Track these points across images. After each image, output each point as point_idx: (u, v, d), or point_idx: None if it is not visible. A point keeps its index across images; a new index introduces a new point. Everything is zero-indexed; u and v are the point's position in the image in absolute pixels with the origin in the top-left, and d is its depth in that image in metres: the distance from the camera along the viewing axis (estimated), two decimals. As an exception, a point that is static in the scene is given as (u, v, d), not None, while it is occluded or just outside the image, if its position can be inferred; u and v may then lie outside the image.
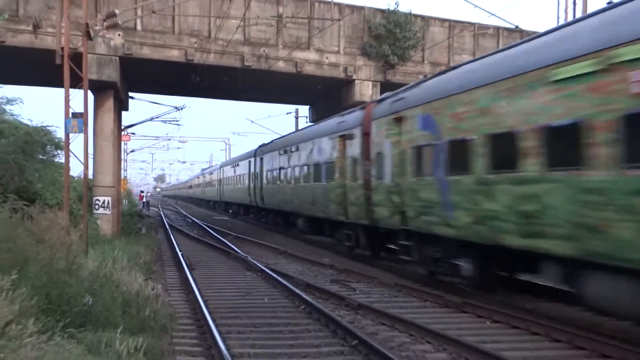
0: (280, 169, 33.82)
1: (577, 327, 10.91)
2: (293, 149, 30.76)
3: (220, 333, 10.37)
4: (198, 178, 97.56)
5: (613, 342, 9.81)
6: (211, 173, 73.48)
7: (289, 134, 37.78)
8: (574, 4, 20.49)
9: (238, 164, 50.18)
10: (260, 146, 42.65)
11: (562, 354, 9.95)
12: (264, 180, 38.31)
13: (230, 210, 58.99)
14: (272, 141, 39.81)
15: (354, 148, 21.25)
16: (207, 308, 12.43)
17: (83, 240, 15.73)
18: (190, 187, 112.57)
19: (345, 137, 22.29)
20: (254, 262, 20.34)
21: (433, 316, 12.68)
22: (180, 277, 17.82)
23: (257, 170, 40.84)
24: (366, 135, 20.15)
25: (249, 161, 44.29)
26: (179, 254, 21.94)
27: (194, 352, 9.96)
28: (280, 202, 34.05)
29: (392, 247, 18.76)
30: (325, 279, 17.62)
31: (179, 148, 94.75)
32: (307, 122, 42.24)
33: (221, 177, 61.50)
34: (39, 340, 6.57)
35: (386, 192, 17.98)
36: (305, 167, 28.27)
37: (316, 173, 26.32)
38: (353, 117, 22.20)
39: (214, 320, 11.29)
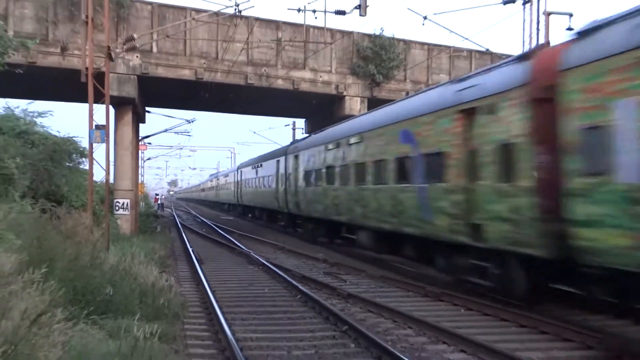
0: (328, 168, 23.30)
1: (538, 313, 10.87)
2: (354, 140, 20.54)
3: (226, 320, 10.30)
4: (211, 181, 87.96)
5: (572, 328, 9.77)
6: (226, 175, 64.54)
7: (342, 122, 25.05)
8: (537, 30, 20.43)
9: (261, 165, 39.55)
10: (292, 142, 33.69)
11: (527, 337, 9.89)
12: (300, 182, 27.89)
13: (250, 215, 49.15)
14: (309, 135, 30.35)
15: (504, 127, 11.40)
16: (215, 298, 12.37)
17: (105, 237, 15.66)
18: (203, 190, 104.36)
19: (474, 112, 12.47)
20: (256, 256, 20.24)
21: (414, 304, 12.63)
22: (190, 270, 17.73)
23: (290, 170, 30.12)
24: (541, 102, 10.54)
25: (277, 161, 33.76)
26: (190, 249, 21.82)
27: (203, 336, 9.92)
28: (328, 210, 23.25)
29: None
30: (319, 272, 17.55)
31: (189, 156, 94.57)
32: (302, 134, 42.05)
33: (239, 179, 51.10)
34: (65, 326, 6.51)
35: (623, 201, 8.61)
36: (379, 164, 18.00)
37: (400, 172, 16.32)
38: (502, 75, 12.17)
39: (220, 309, 11.22)
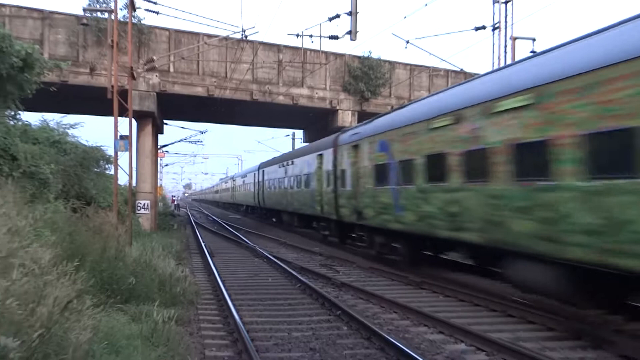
0: (432, 157, 12.68)
1: (502, 297, 10.90)
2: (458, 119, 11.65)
3: (234, 306, 10.29)
4: (226, 183, 78.22)
5: (536, 312, 9.80)
6: (244, 176, 52.30)
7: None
8: (505, 52, 20.52)
9: (292, 162, 28.97)
10: (342, 132, 21.53)
11: (497, 320, 9.93)
12: (365, 181, 17.07)
13: (275, 219, 37.49)
14: (372, 119, 18.13)
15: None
16: (225, 286, 12.36)
17: (128, 234, 15.64)
18: (217, 191, 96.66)
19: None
20: (261, 250, 20.22)
21: (399, 292, 12.64)
22: (203, 262, 17.70)
23: (344, 166, 19.30)
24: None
25: (320, 155, 23.06)
26: (202, 244, 21.78)
27: (215, 320, 9.92)
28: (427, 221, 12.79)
29: None
30: (315, 264, 17.53)
31: (202, 162, 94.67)
32: (301, 143, 42.01)
33: (259, 179, 39.91)
34: (94, 312, 6.52)
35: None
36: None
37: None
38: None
39: (229, 296, 11.23)
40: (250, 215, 49.37)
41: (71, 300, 5.48)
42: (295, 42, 23.46)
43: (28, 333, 4.47)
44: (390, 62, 31.25)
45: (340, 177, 20.11)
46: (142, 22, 25.46)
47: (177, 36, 27.00)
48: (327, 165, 22.12)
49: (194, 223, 37.97)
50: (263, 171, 38.46)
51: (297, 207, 27.78)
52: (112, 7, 18.16)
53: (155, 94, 26.15)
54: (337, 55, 29.68)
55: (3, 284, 4.88)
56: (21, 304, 4.81)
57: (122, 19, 18.66)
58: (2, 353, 4.09)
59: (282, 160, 33.17)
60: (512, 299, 10.83)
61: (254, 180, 42.65)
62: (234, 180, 62.89)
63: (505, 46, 20.56)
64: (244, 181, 51.70)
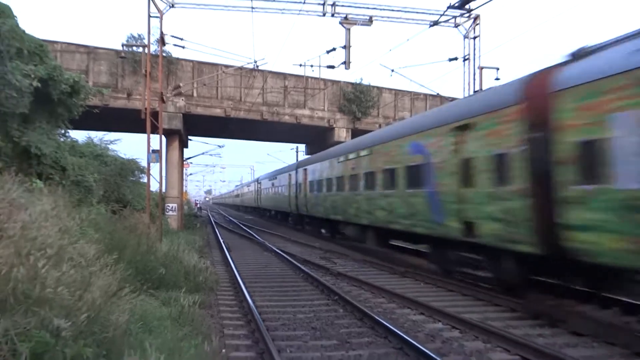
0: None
1: (474, 284, 10.87)
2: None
3: (248, 292, 10.29)
4: (248, 186, 66.33)
5: (501, 296, 9.79)
6: (274, 177, 39.07)
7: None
8: (474, 79, 20.55)
9: (359, 155, 17.89)
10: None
11: (468, 303, 9.94)
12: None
13: (324, 231, 25.29)
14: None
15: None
16: (240, 276, 12.34)
17: (159, 232, 15.64)
18: (237, 195, 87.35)
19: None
20: (270, 246, 20.17)
21: (386, 280, 12.64)
22: (221, 255, 17.66)
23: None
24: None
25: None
26: (221, 241, 21.76)
27: (231, 304, 9.91)
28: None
29: None
30: (316, 256, 17.49)
31: (220, 172, 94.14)
32: (304, 156, 41.84)
33: (296, 180, 29.48)
34: (131, 297, 6.51)
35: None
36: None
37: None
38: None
39: (244, 284, 11.21)
40: (283, 223, 36.95)
41: (121, 288, 5.49)
42: (299, 71, 23.70)
43: (76, 315, 4.47)
44: (378, 88, 31.27)
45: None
46: (171, 55, 25.55)
47: (199, 66, 27.08)
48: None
49: (213, 223, 37.93)
50: (305, 170, 27.53)
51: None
52: (146, 43, 18.21)
53: (181, 114, 26.20)
54: (333, 82, 29.74)
55: (55, 275, 4.88)
56: (70, 291, 4.81)
57: (154, 53, 18.66)
58: (56, 332, 4.09)
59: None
60: (480, 285, 10.83)
61: (290, 182, 31.90)
62: (259, 183, 50.52)
63: (474, 74, 20.61)
64: (273, 184, 39.50)
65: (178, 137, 27.75)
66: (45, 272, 4.68)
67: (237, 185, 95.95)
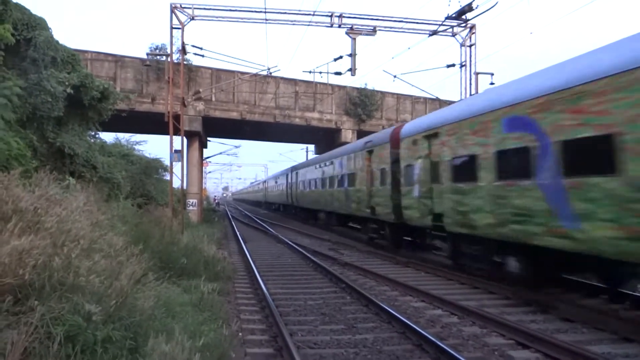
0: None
1: (469, 273, 10.72)
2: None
3: (262, 280, 10.28)
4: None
5: (495, 284, 9.70)
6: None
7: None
8: (470, 84, 20.40)
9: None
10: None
11: (466, 291, 9.85)
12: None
13: (409, 238, 15.06)
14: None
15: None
16: (255, 265, 12.32)
17: (180, 225, 15.68)
18: (249, 192, 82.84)
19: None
20: (282, 238, 20.16)
21: (389, 269, 12.55)
22: (238, 247, 17.65)
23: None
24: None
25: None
26: (237, 233, 21.79)
27: (247, 291, 9.90)
28: None
29: None
30: (325, 248, 17.45)
31: (236, 170, 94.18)
32: (313, 155, 41.68)
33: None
34: (155, 284, 6.54)
35: None
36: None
37: None
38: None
39: (259, 273, 11.19)
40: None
41: (145, 274, 5.49)
42: (308, 77, 23.64)
43: (106, 301, 4.47)
44: (381, 92, 31.09)
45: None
46: (191, 63, 25.56)
47: (217, 73, 27.07)
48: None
49: (230, 217, 38.00)
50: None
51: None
52: (169, 52, 18.25)
53: (201, 117, 26.21)
54: (340, 87, 29.63)
55: (87, 264, 4.89)
56: (101, 279, 4.82)
57: (176, 61, 18.73)
58: (87, 316, 4.10)
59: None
60: (477, 274, 10.74)
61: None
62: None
63: (470, 79, 20.46)
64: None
65: (198, 138, 27.79)
66: (78, 261, 4.69)
67: (251, 182, 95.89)
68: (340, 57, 18.78)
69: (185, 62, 21.15)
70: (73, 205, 6.58)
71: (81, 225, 5.75)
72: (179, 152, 18.19)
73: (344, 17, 19.26)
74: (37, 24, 12.73)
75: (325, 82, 23.78)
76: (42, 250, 4.39)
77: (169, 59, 18.11)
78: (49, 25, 13.17)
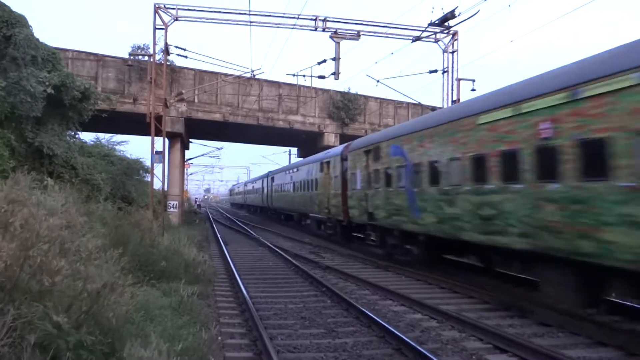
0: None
1: (448, 277, 10.84)
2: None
3: (243, 283, 10.18)
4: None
5: (474, 289, 9.78)
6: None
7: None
8: (452, 90, 20.62)
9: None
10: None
11: (445, 295, 9.90)
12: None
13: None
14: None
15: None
16: (235, 268, 12.21)
17: (161, 227, 15.47)
18: (231, 195, 78.12)
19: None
20: (264, 241, 20.01)
21: (370, 274, 12.54)
22: (218, 249, 17.50)
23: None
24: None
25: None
26: (218, 236, 21.60)
27: (227, 294, 9.81)
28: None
29: None
30: (306, 251, 17.38)
31: (219, 172, 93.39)
32: (296, 158, 41.66)
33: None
34: (134, 287, 6.41)
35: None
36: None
37: None
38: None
39: (239, 276, 11.09)
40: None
41: (115, 281, 5.36)
42: (292, 80, 23.52)
43: (78, 305, 4.36)
44: (364, 96, 31.20)
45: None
46: (174, 64, 25.32)
47: (200, 75, 26.88)
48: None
49: (212, 219, 37.67)
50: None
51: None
52: (151, 52, 18.06)
53: (183, 119, 25.96)
54: (324, 91, 29.68)
55: (55, 267, 4.75)
56: (72, 283, 4.70)
57: (158, 61, 18.54)
58: (56, 325, 3.99)
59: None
60: (456, 279, 10.81)
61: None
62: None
63: (452, 85, 20.67)
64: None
65: (180, 140, 27.50)
66: (48, 265, 4.55)
67: (233, 185, 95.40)
68: (324, 60, 18.83)
69: (168, 63, 20.95)
70: (47, 206, 6.42)
71: (53, 226, 5.59)
72: (160, 153, 17.96)
73: (328, 21, 19.31)
74: (17, 22, 12.49)
75: (309, 85, 23.83)
76: (6, 253, 4.23)
77: (151, 59, 17.91)
78: (29, 22, 12.93)
